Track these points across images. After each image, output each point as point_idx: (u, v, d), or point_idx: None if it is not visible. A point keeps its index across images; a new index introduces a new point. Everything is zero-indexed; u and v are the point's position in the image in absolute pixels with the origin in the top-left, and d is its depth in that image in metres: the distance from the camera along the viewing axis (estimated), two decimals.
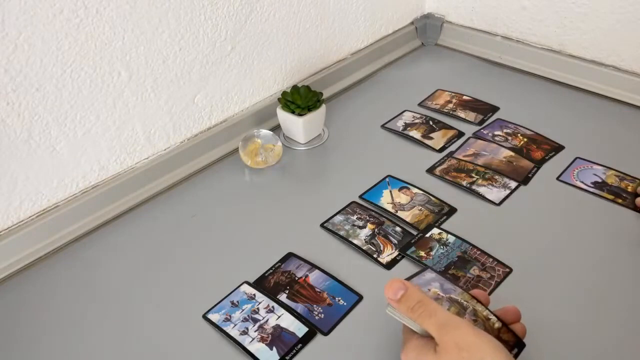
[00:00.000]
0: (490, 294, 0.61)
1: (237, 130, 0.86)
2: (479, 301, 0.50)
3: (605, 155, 0.79)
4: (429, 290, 0.51)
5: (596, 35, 0.92)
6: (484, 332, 0.45)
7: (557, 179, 0.76)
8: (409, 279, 0.52)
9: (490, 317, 0.49)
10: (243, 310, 0.61)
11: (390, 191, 0.76)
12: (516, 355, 0.48)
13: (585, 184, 0.74)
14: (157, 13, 0.71)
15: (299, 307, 0.61)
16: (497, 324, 0.49)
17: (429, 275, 0.53)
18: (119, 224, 0.75)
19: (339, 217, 0.73)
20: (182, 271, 0.68)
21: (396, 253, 0.67)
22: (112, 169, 0.76)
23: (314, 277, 0.65)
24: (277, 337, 0.58)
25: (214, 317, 0.61)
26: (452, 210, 0.73)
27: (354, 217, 0.72)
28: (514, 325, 0.50)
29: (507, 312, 0.50)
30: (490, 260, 0.65)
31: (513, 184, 0.76)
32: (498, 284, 0.62)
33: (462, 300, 0.50)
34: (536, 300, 0.60)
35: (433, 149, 0.84)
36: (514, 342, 0.49)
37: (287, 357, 0.56)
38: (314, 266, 0.66)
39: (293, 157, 0.85)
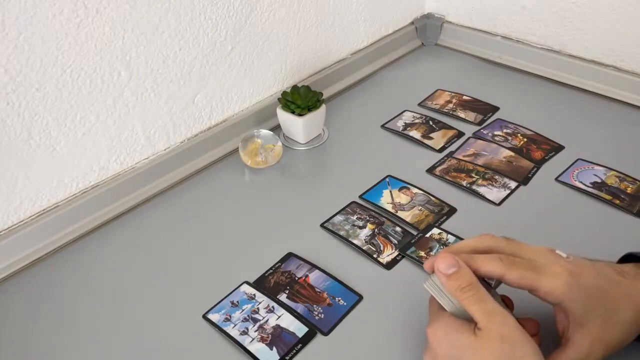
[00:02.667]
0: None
1: (237, 130, 0.86)
2: (507, 306, 0.50)
3: (606, 156, 0.79)
4: None
5: (596, 35, 0.92)
6: (526, 333, 0.45)
7: (556, 179, 0.76)
8: None
9: None
10: (243, 310, 0.61)
11: (390, 191, 0.76)
12: None
13: (584, 184, 0.74)
14: (157, 13, 0.71)
15: (299, 307, 0.61)
16: None
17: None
18: (119, 224, 0.75)
19: (339, 217, 0.73)
20: (182, 271, 0.68)
21: (396, 253, 0.67)
22: (112, 169, 0.76)
23: (314, 277, 0.65)
24: (277, 337, 0.58)
25: (214, 317, 0.61)
26: (452, 210, 0.73)
27: (354, 217, 0.72)
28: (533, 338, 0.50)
29: (527, 323, 0.50)
30: None
31: (513, 184, 0.76)
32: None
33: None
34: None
35: (433, 149, 0.84)
36: None
37: (287, 357, 0.56)
38: (314, 266, 0.66)
39: (293, 157, 0.86)
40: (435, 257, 0.49)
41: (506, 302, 0.51)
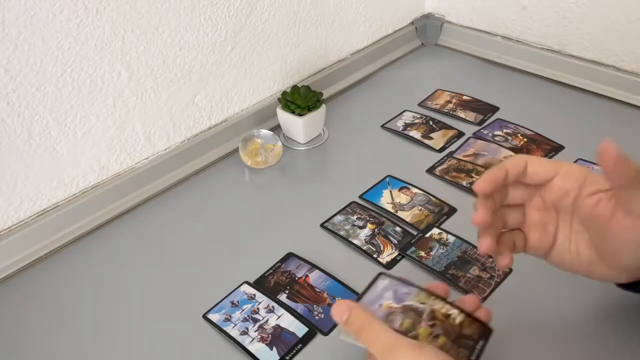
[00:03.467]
0: (490, 294, 0.61)
1: (237, 130, 0.86)
2: (437, 296, 0.48)
3: None
4: (381, 305, 0.48)
5: (596, 35, 0.92)
6: (428, 352, 0.43)
7: None
8: (362, 293, 0.50)
9: (450, 312, 0.47)
10: (243, 310, 0.61)
11: (390, 191, 0.76)
12: (483, 345, 0.46)
13: None
14: (157, 13, 0.71)
15: (299, 307, 0.61)
16: (459, 318, 0.47)
17: (381, 283, 0.51)
18: (118, 224, 0.75)
19: (339, 217, 0.73)
20: (182, 271, 0.68)
21: (396, 253, 0.67)
22: (112, 169, 0.76)
23: (314, 277, 0.65)
24: (277, 337, 0.58)
25: (214, 317, 0.61)
26: (452, 210, 0.73)
27: (354, 217, 0.72)
28: (478, 311, 0.48)
29: (465, 302, 0.49)
30: (490, 260, 0.65)
31: None
32: (498, 284, 0.62)
33: (418, 304, 0.48)
34: (536, 300, 0.60)
35: (433, 149, 0.84)
36: (478, 333, 0.46)
37: (287, 357, 0.56)
38: (314, 266, 0.66)
39: (293, 157, 0.86)
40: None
41: (435, 292, 0.49)
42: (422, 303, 0.48)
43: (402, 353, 0.43)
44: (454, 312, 0.47)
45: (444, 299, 0.48)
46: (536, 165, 0.49)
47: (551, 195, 0.49)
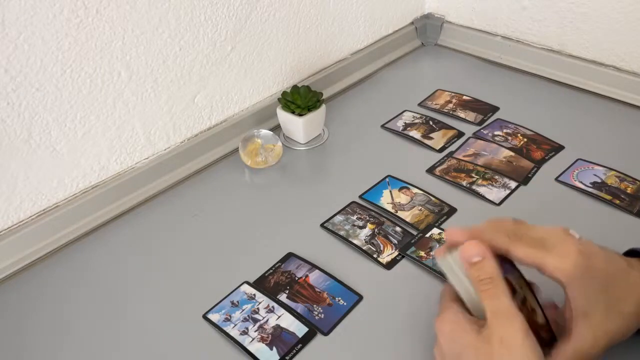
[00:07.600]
0: None
1: (237, 130, 0.86)
2: (531, 290, 0.49)
3: (606, 156, 0.79)
4: None
5: (596, 35, 0.92)
6: (534, 339, 0.43)
7: (556, 179, 0.76)
8: None
9: (537, 310, 0.47)
10: (243, 310, 0.61)
11: (390, 191, 0.76)
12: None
13: (584, 184, 0.74)
14: (157, 13, 0.71)
15: (299, 307, 0.61)
16: (541, 320, 0.47)
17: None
18: (119, 224, 0.75)
19: (339, 217, 0.73)
20: (182, 271, 0.68)
21: (396, 253, 0.67)
22: (112, 169, 0.76)
23: (314, 277, 0.65)
24: (277, 337, 0.58)
25: (214, 317, 0.61)
26: (452, 210, 0.73)
27: (354, 217, 0.72)
28: (552, 323, 0.49)
29: (548, 307, 0.49)
30: None
31: (513, 184, 0.76)
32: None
33: (516, 285, 0.48)
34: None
35: (433, 149, 0.84)
36: (548, 339, 0.47)
37: (287, 357, 0.56)
38: (314, 266, 0.66)
39: (293, 157, 0.86)
40: (445, 244, 0.49)
41: (531, 287, 0.50)
42: (520, 287, 0.48)
43: (515, 326, 0.43)
44: (539, 312, 0.47)
45: (534, 296, 0.49)
46: (517, 257, 0.47)
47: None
